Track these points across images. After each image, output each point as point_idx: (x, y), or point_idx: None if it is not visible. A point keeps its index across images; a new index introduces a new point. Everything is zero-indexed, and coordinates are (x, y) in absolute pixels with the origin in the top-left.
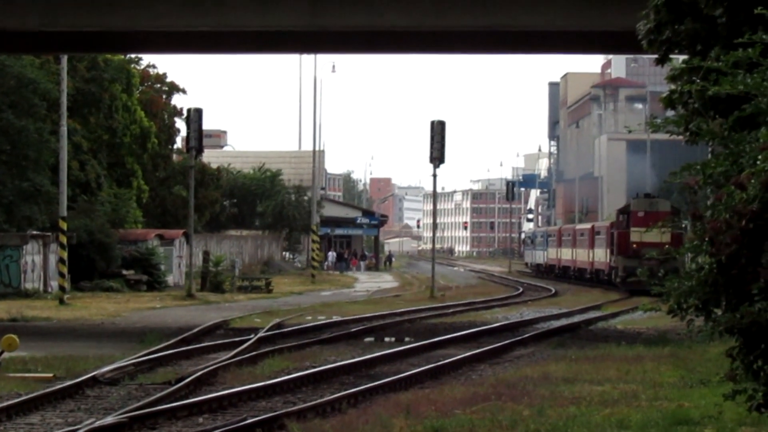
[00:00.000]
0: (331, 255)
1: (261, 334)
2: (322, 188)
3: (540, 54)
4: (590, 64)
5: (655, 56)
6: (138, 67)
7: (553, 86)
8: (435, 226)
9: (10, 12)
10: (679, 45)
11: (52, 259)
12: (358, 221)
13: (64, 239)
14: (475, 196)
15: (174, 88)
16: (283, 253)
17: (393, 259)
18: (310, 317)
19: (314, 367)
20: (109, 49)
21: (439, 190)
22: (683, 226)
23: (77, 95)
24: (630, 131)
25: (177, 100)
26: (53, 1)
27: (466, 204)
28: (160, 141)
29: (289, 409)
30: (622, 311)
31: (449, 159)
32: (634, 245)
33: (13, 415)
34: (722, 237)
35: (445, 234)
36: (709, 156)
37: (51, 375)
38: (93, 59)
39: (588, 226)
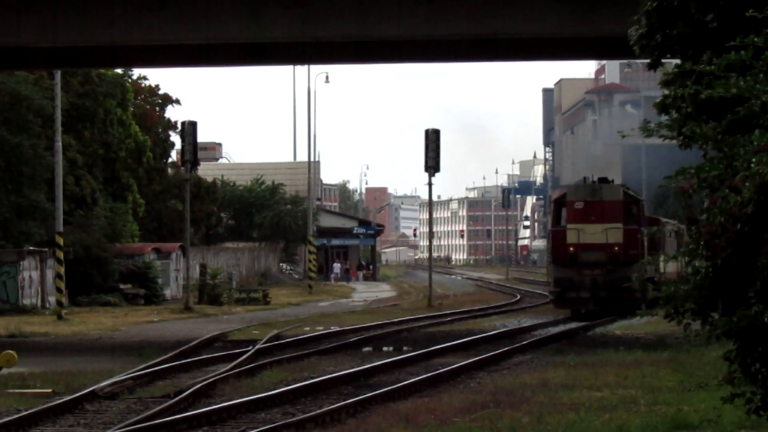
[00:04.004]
0: (337, 266)
1: (259, 345)
2: (318, 199)
3: (533, 61)
4: (584, 69)
5: (648, 61)
6: (129, 80)
7: (548, 92)
8: (431, 234)
9: (4, 28)
10: (671, 49)
11: (50, 274)
12: (355, 231)
13: (61, 254)
14: (471, 204)
15: (168, 100)
16: (281, 264)
17: (371, 267)
18: (308, 328)
19: (313, 377)
20: (102, 63)
21: (434, 198)
22: (640, 223)
23: (71, 110)
24: (623, 136)
25: (171, 112)
26: (46, 16)
27: (463, 212)
28: (155, 155)
29: (288, 420)
30: (620, 316)
31: (444, 167)
32: (571, 248)
33: (13, 431)
34: (718, 240)
35: (442, 242)
36: (703, 160)
37: (50, 390)
38: (87, 74)
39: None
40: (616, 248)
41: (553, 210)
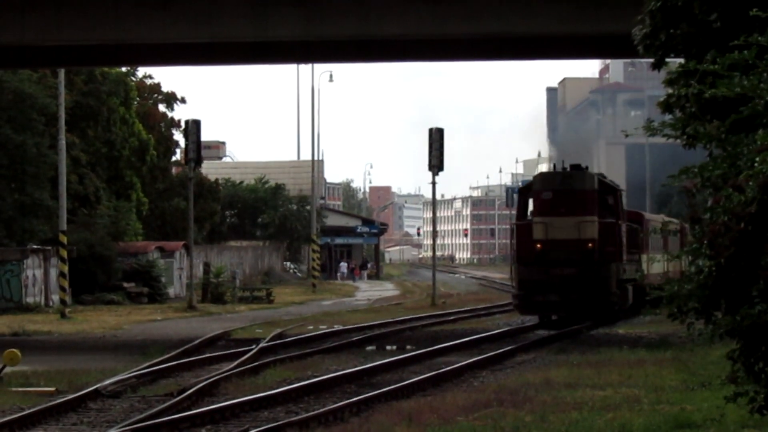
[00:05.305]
0: (344, 265)
1: (262, 344)
2: (322, 198)
3: (537, 60)
4: (588, 69)
5: (652, 60)
6: (134, 79)
7: (552, 92)
8: (435, 233)
9: (7, 26)
10: (675, 49)
11: (53, 273)
12: (359, 230)
13: (64, 253)
14: (475, 203)
15: (173, 98)
16: (285, 263)
17: (369, 265)
18: (311, 327)
19: (316, 376)
20: (106, 62)
21: (438, 197)
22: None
23: (75, 109)
24: (627, 135)
25: (176, 110)
26: (50, 15)
27: (466, 211)
28: (158, 153)
29: (292, 419)
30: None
31: (448, 166)
32: (538, 245)
33: (16, 430)
34: (721, 240)
35: (446, 241)
36: (707, 159)
37: (53, 389)
38: (90, 73)
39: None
40: (590, 245)
41: (518, 201)
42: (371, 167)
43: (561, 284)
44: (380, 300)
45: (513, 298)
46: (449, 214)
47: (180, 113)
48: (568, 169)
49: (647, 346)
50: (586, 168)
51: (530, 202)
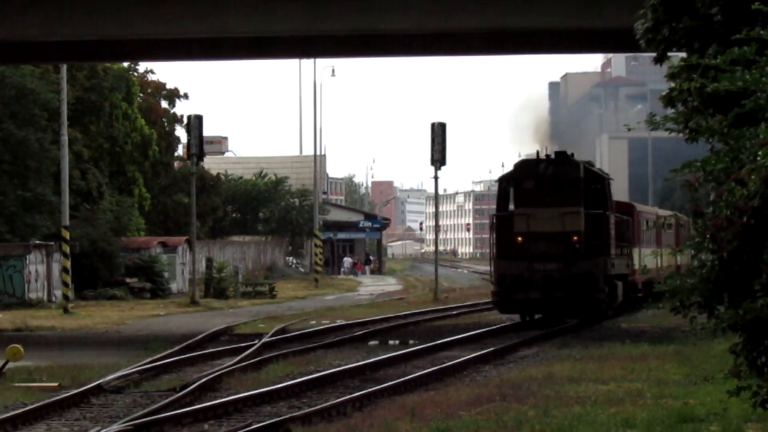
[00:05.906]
0: (347, 260)
1: (265, 339)
2: (324, 192)
3: (541, 54)
4: (590, 63)
5: (654, 54)
6: (136, 75)
7: (554, 86)
8: (437, 228)
9: (10, 22)
10: (677, 43)
11: (56, 268)
12: (361, 225)
13: (67, 248)
14: (478, 197)
15: (175, 95)
16: (287, 258)
17: (371, 259)
18: (314, 321)
19: (319, 371)
20: (108, 57)
21: (441, 192)
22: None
23: (77, 104)
24: (629, 129)
25: (178, 105)
26: (52, 10)
27: (469, 205)
28: (160, 148)
29: (294, 414)
30: (626, 310)
31: (451, 160)
32: (519, 238)
33: (19, 425)
34: (724, 234)
35: (448, 236)
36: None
37: (56, 384)
38: (92, 68)
39: None
40: (576, 237)
41: (498, 191)
42: (374, 162)
43: (544, 280)
44: (383, 295)
45: (492, 296)
46: (452, 208)
47: (182, 108)
48: (553, 156)
49: (650, 340)
50: (572, 155)
51: (511, 191)
